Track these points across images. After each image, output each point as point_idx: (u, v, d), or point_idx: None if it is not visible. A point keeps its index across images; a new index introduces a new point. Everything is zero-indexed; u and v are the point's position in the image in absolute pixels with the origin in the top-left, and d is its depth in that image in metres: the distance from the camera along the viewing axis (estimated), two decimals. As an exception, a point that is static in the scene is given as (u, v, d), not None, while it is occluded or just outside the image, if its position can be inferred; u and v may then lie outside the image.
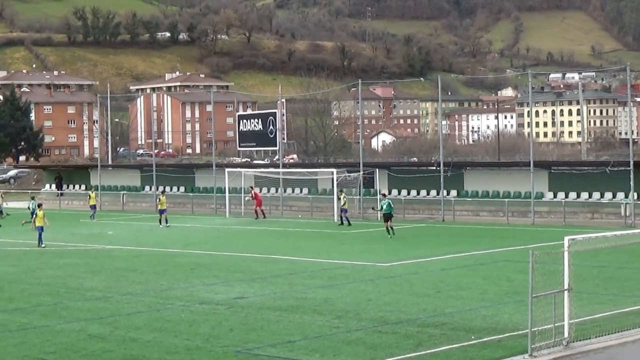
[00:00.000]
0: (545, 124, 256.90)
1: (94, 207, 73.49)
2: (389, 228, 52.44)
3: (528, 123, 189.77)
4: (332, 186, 72.13)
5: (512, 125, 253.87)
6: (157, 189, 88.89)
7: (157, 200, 69.60)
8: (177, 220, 67.76)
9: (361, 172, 74.24)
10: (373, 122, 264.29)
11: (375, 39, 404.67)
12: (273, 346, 25.10)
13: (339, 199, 65.79)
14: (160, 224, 66.04)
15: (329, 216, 68.99)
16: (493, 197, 71.01)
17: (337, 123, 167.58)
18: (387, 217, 51.89)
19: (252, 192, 74.63)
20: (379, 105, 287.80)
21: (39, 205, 55.76)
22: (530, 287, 23.46)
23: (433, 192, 73.36)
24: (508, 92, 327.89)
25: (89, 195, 75.97)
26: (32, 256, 49.36)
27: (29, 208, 65.44)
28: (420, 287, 35.54)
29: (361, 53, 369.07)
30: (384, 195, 56.20)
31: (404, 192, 75.87)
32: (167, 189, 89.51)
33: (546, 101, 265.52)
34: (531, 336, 23.11)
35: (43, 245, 51.90)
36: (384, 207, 52.41)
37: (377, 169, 78.51)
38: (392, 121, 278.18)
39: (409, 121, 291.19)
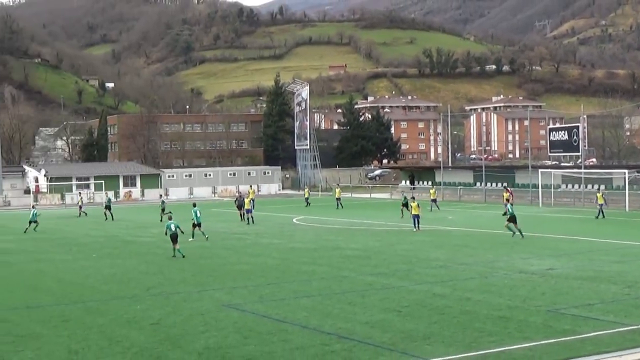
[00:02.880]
0: None
1: (434, 200, 73.25)
2: (509, 227, 45.78)
3: None
4: (625, 183, 69.78)
5: None
6: (486, 185, 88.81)
7: (503, 195, 67.70)
8: (499, 209, 66.86)
9: (649, 172, 71.74)
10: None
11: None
12: (576, 307, 24.41)
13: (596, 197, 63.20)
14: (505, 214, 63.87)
15: (621, 207, 66.55)
16: None
17: (628, 134, 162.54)
18: (512, 218, 45.95)
19: (507, 189, 72.69)
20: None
21: (413, 198, 55.86)
22: None
23: None
24: None
25: (429, 192, 76.21)
26: (392, 234, 50.08)
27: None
28: (698, 263, 33.62)
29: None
30: (507, 199, 51.09)
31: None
32: (493, 185, 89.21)
33: None
34: None
35: (417, 229, 51.10)
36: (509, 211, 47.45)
37: (662, 170, 75.37)
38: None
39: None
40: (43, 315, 24.98)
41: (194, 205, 50.42)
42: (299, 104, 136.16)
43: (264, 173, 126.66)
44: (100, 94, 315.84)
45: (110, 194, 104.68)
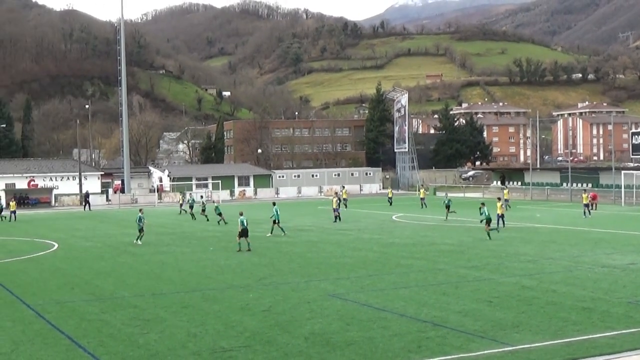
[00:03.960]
0: None
1: (507, 200, 71.67)
2: (488, 232, 43.87)
3: None
4: None
5: None
6: (572, 185, 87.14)
7: (581, 196, 65.88)
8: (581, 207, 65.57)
9: None
10: None
11: None
12: (657, 300, 23.87)
13: None
14: (584, 215, 59.89)
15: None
16: None
17: None
18: (488, 221, 44.09)
19: (591, 194, 70.45)
20: None
21: (499, 199, 55.07)
22: None
23: None
24: None
25: (503, 192, 75.14)
26: (484, 230, 49.47)
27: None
28: None
29: None
30: (482, 204, 48.58)
31: None
32: (579, 185, 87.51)
33: None
34: None
35: (498, 230, 48.13)
36: (482, 215, 44.66)
37: None
38: None
39: None
40: (165, 301, 25.49)
41: (274, 204, 51.14)
42: (399, 110, 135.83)
43: (366, 174, 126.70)
44: (217, 101, 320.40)
45: (226, 192, 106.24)
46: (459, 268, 31.87)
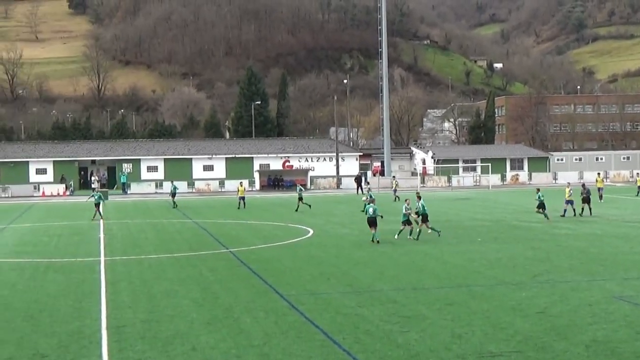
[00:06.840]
0: None
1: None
2: (432, 228, 42.91)
3: None
4: None
5: None
6: None
7: None
8: None
9: None
10: None
11: None
12: None
13: None
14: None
15: None
16: None
17: None
18: (424, 217, 42.00)
19: None
20: None
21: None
22: None
23: None
24: None
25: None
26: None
27: None
28: None
29: None
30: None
31: None
32: None
33: None
34: None
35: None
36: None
37: None
38: None
39: None
40: (428, 297, 25.68)
41: (418, 194, 46.31)
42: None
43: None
44: (488, 74, 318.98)
45: (496, 177, 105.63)
46: None
